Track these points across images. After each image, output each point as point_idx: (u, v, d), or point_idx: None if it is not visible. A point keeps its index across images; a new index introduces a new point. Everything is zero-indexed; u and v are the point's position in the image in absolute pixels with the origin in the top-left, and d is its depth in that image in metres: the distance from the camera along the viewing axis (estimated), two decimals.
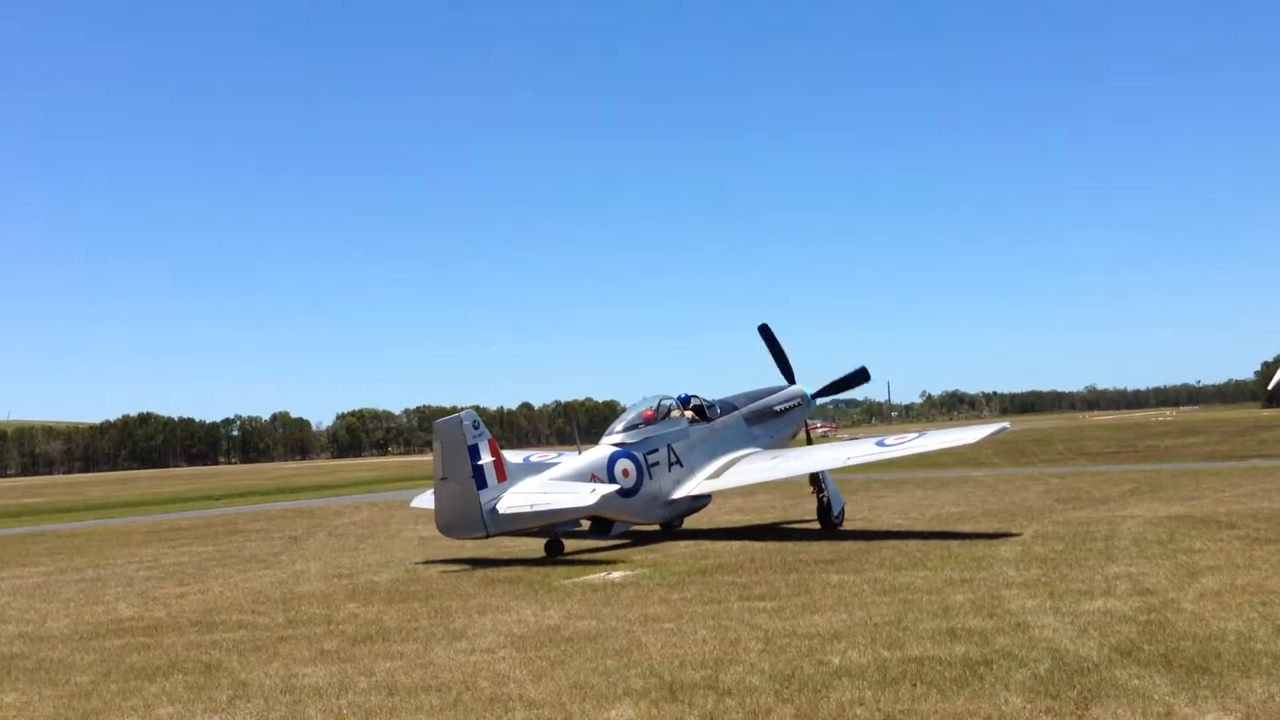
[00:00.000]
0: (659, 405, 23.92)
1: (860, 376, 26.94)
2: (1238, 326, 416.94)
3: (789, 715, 8.79)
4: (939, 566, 16.30)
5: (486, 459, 20.46)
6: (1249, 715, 8.17)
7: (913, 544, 19.36)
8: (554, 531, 21.42)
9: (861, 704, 8.96)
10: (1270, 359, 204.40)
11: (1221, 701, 8.52)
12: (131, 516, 44.58)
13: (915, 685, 9.42)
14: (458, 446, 20.14)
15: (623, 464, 22.61)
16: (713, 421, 24.50)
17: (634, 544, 22.09)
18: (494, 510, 20.25)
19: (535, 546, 22.32)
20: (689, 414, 24.14)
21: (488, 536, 20.74)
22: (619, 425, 23.71)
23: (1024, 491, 30.65)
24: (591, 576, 17.48)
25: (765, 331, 26.92)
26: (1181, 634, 10.84)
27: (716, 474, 23.63)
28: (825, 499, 23.87)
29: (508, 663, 11.30)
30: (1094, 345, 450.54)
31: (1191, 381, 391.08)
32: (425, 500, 23.86)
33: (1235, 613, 11.73)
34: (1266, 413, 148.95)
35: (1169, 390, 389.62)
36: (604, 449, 22.96)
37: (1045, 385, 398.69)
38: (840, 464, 24.05)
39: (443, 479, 20.16)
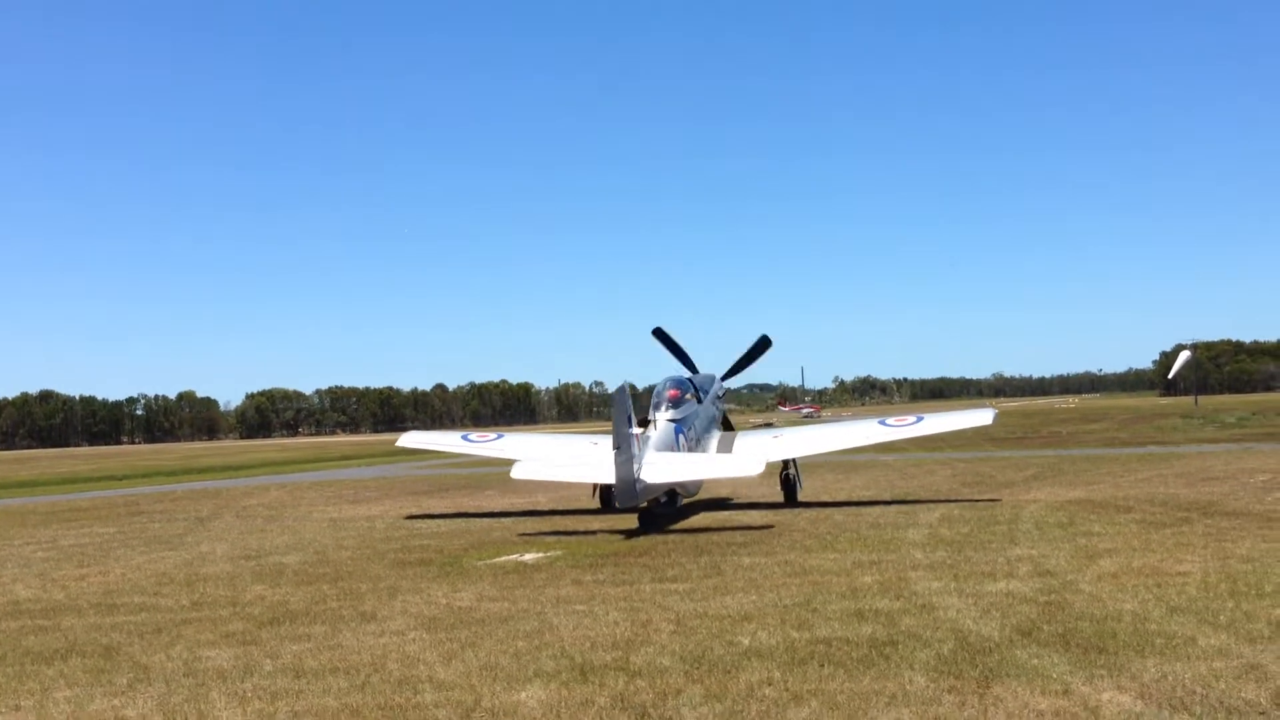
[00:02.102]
0: (680, 385, 24.78)
1: (762, 345, 27.95)
2: (1138, 317, 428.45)
3: (699, 695, 8.86)
4: (848, 549, 16.56)
5: (636, 430, 21.16)
6: (1143, 693, 8.42)
7: (823, 527, 19.63)
8: (657, 501, 22.09)
9: (770, 684, 9.06)
10: (1169, 349, 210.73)
11: (1117, 680, 8.77)
12: (29, 497, 43.32)
13: (823, 665, 9.56)
14: (626, 416, 20.28)
15: (681, 438, 23.40)
16: (702, 403, 25.46)
17: (548, 526, 22.09)
18: (640, 479, 20.37)
19: (461, 529, 22.19)
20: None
21: (636, 508, 21.00)
22: (662, 403, 24.20)
23: (931, 475, 31.22)
24: (504, 558, 17.44)
25: (660, 334, 27.89)
26: (1080, 614, 11.15)
27: (727, 450, 24.71)
28: (792, 476, 25.21)
29: (417, 645, 11.22)
30: (1001, 334, 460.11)
31: (1094, 370, 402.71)
32: (526, 470, 23.01)
33: (1131, 594, 12.10)
34: (1164, 401, 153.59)
35: (1072, 378, 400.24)
36: (666, 424, 23.40)
37: (954, 372, 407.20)
38: (861, 443, 26.00)
39: (616, 449, 20.27)
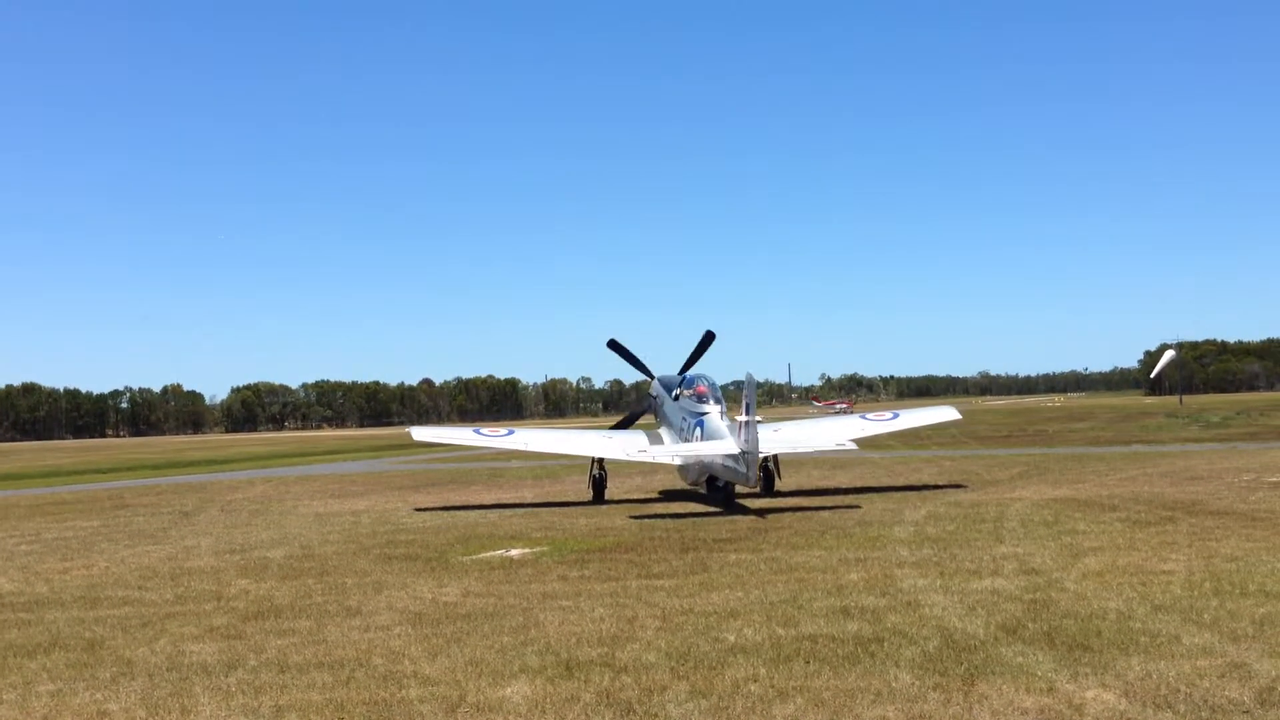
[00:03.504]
0: (708, 384, 26.67)
1: (707, 339, 29.81)
2: (1123, 317, 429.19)
3: (684, 692, 8.86)
4: (834, 546, 16.58)
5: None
6: (1127, 691, 8.45)
7: (809, 524, 19.66)
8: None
9: (755, 680, 9.07)
10: (1153, 348, 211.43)
11: (1101, 678, 8.80)
12: (13, 490, 43.11)
13: (809, 662, 9.57)
14: (751, 402, 22.16)
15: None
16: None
17: (534, 520, 22.07)
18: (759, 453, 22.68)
19: (447, 524, 22.18)
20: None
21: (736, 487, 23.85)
22: (709, 397, 26.08)
23: (918, 473, 31.29)
24: (490, 554, 17.41)
25: (615, 346, 30.43)
26: (1065, 613, 11.18)
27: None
28: (771, 468, 26.90)
29: (403, 640, 11.19)
30: (988, 332, 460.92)
31: (1079, 369, 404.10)
32: (656, 453, 25.90)
33: (1115, 592, 12.14)
34: (1149, 400, 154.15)
35: (1058, 377, 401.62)
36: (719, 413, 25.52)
37: (940, 370, 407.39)
38: (857, 435, 28.08)
39: (747, 426, 22.23)
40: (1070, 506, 20.77)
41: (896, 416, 30.38)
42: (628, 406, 26.59)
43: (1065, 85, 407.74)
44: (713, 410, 25.59)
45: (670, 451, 25.93)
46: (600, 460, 27.35)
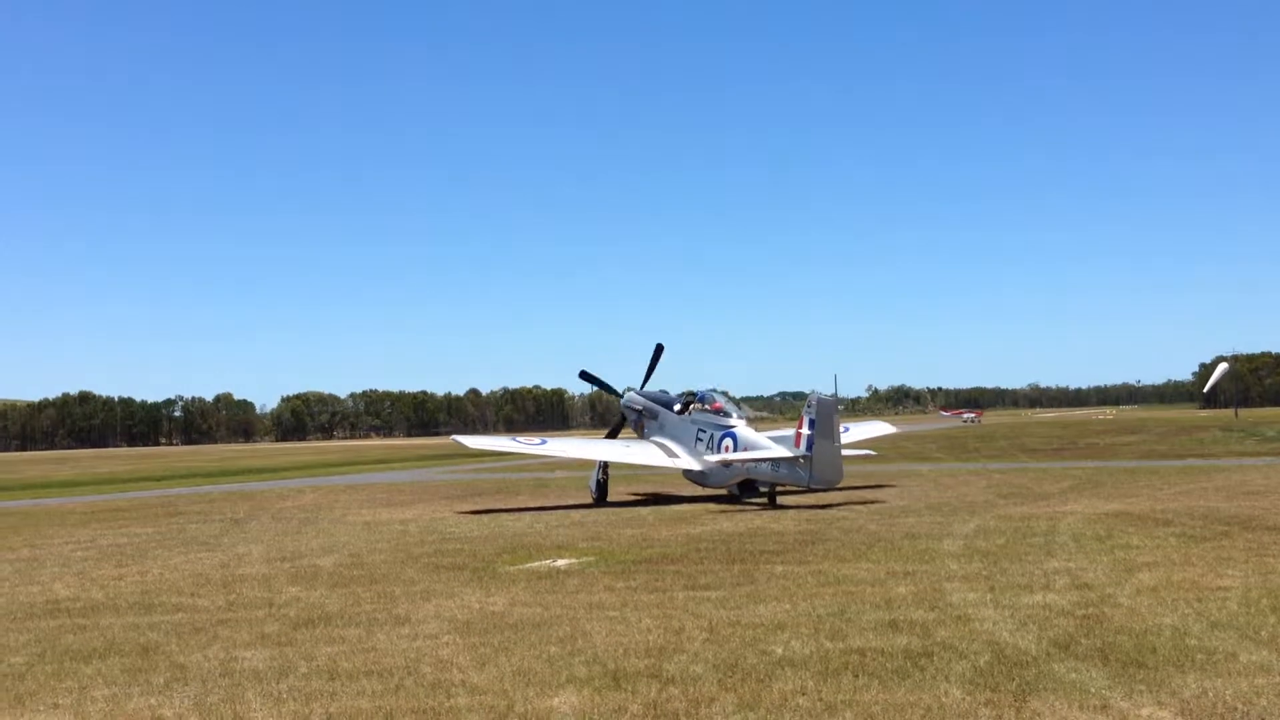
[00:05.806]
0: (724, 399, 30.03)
1: (658, 352, 32.98)
2: (1176, 329, 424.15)
3: (731, 704, 8.83)
4: (882, 559, 16.47)
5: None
6: (1183, 709, 8.32)
7: (857, 536, 19.54)
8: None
9: (804, 694, 9.02)
10: (1208, 361, 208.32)
11: (1156, 696, 8.67)
12: (69, 496, 43.76)
13: (857, 676, 9.51)
14: (814, 419, 25.18)
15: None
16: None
17: (580, 531, 22.10)
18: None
19: (494, 533, 22.28)
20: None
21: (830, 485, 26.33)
22: (732, 412, 29.47)
23: (967, 486, 30.99)
24: (537, 563, 17.46)
25: (586, 375, 33.81)
26: (1118, 629, 11.03)
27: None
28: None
29: (451, 648, 11.25)
30: (1038, 344, 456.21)
31: (1131, 381, 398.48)
32: (718, 457, 28.21)
33: (1170, 608, 11.96)
34: (1203, 413, 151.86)
35: (1110, 389, 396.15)
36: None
37: (990, 382, 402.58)
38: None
39: (824, 439, 25.21)
40: (1123, 521, 20.48)
41: (847, 430, 33.20)
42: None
43: (1114, 96, 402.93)
44: (739, 422, 28.85)
45: (736, 458, 27.55)
46: (605, 465, 30.44)
